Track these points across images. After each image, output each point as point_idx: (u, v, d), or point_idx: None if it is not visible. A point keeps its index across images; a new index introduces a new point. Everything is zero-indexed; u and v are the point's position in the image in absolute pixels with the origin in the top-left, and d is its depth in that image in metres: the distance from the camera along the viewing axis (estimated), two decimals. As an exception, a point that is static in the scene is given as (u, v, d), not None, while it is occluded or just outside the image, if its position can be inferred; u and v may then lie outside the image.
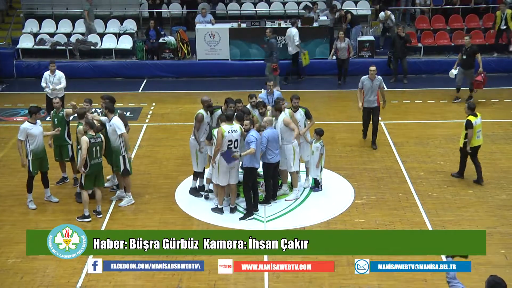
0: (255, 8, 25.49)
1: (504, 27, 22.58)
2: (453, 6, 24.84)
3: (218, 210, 13.92)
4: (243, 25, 23.59)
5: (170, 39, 23.67)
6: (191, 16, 24.91)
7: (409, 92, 19.41)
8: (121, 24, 24.75)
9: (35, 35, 24.28)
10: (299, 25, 23.18)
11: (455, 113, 19.40)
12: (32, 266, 12.26)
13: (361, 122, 17.22)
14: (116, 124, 13.83)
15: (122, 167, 14.04)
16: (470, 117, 14.69)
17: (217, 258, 12.31)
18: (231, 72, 23.30)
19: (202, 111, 14.15)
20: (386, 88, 17.53)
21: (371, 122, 16.83)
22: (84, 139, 13.22)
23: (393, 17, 23.62)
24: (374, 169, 15.72)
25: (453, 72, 20.01)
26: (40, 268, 12.17)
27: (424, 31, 24.26)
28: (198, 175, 14.64)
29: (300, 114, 14.47)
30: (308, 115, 14.54)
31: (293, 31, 22.04)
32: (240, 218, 13.72)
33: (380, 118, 17.05)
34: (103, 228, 13.48)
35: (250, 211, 13.64)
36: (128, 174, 14.20)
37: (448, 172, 15.71)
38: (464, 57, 19.87)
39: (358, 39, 23.27)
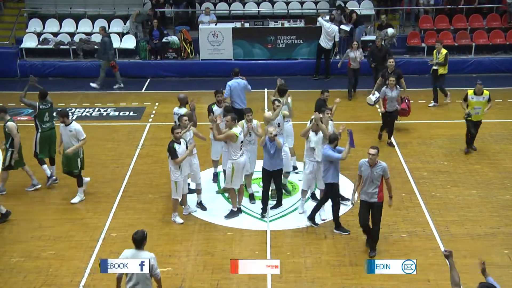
0: (258, 8, 25.50)
1: (436, 67, 19.90)
2: (457, 6, 24.81)
3: (233, 213, 13.94)
4: (246, 25, 23.62)
5: (174, 38, 23.69)
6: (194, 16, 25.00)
7: (412, 92, 19.38)
8: (124, 24, 24.75)
9: (38, 34, 24.31)
10: (303, 25, 23.27)
11: (459, 113, 19.33)
12: (35, 265, 12.30)
13: (365, 121, 17.28)
14: (77, 129, 14.14)
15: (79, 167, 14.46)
16: (469, 91, 16.27)
17: (220, 258, 12.43)
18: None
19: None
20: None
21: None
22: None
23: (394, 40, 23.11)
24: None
25: (372, 98, 17.63)
26: (43, 267, 12.21)
27: (428, 31, 24.26)
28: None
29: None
30: None
31: (335, 28, 22.57)
32: (227, 216, 13.89)
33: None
34: (106, 227, 13.51)
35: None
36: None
37: (451, 172, 15.73)
38: None
39: (362, 39, 23.25)
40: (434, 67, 19.88)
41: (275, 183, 13.90)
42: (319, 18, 22.81)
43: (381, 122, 17.58)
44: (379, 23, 23.14)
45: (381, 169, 11.89)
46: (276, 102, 14.18)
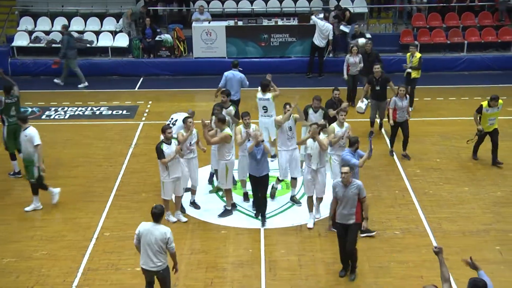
0: (251, 6, 25.50)
1: (409, 70, 19.20)
2: (449, 4, 24.86)
3: (227, 212, 13.93)
4: (240, 23, 23.60)
5: (167, 37, 23.66)
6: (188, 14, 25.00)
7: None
8: (117, 22, 24.69)
9: (30, 33, 24.20)
10: (296, 23, 23.31)
11: (451, 111, 19.46)
12: (27, 265, 12.26)
13: (358, 119, 17.23)
14: (31, 134, 13.83)
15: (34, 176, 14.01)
16: (484, 104, 15.57)
17: (214, 256, 12.44)
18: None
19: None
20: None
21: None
22: None
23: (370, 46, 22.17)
24: (371, 167, 15.72)
25: (362, 106, 17.30)
26: (35, 267, 12.18)
27: (421, 29, 24.31)
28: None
29: (320, 115, 14.69)
30: (325, 116, 14.80)
31: (329, 27, 22.52)
32: (220, 215, 13.86)
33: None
34: (99, 227, 13.49)
35: None
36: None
37: (444, 169, 15.77)
38: (378, 88, 17.25)
39: (348, 31, 23.22)
40: (408, 71, 19.19)
41: (260, 191, 13.47)
42: (313, 16, 22.83)
43: (389, 134, 17.03)
44: (353, 33, 22.82)
45: (356, 187, 11.14)
46: (287, 106, 13.80)
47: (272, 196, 14.44)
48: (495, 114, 15.63)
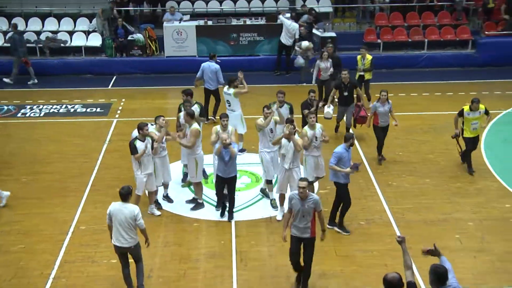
0: (221, 6, 25.45)
1: (362, 73, 19.08)
2: (410, 4, 25.08)
3: (199, 205, 13.93)
4: (210, 23, 23.58)
5: (139, 36, 23.54)
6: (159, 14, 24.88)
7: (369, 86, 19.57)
8: (90, 22, 24.48)
9: (4, 33, 23.92)
10: (264, 22, 23.34)
11: (413, 106, 19.64)
12: (5, 259, 12.16)
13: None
14: None
15: None
16: (465, 108, 15.08)
17: (187, 248, 12.44)
18: (198, 68, 23.14)
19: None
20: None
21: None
22: None
23: (313, 51, 22.22)
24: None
25: (330, 112, 16.64)
26: (13, 261, 12.08)
27: (383, 28, 24.48)
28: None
29: (285, 109, 14.71)
30: (292, 112, 14.80)
31: (295, 26, 22.44)
32: (192, 208, 13.87)
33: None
34: (75, 221, 13.41)
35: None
36: None
37: (406, 162, 15.91)
38: (346, 93, 16.73)
39: (321, 35, 23.35)
40: (360, 73, 19.00)
41: (228, 190, 13.33)
42: (280, 16, 22.86)
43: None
44: (297, 38, 22.60)
45: (313, 202, 10.51)
46: (265, 109, 13.75)
47: (274, 206, 13.91)
48: (477, 118, 15.02)
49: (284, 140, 12.87)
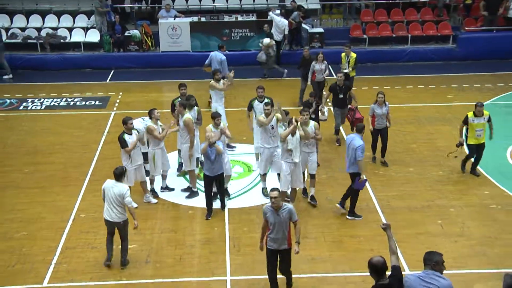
0: (214, 3, 25.39)
1: (346, 70, 18.23)
2: (394, 1, 25.09)
3: (193, 193, 13.90)
4: (203, 19, 23.53)
5: (135, 32, 23.47)
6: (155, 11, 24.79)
7: (355, 79, 19.53)
8: (89, 18, 24.39)
9: (6, 29, 23.80)
10: (255, 19, 23.30)
11: (397, 98, 19.64)
12: (9, 245, 12.13)
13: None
14: None
15: None
16: (469, 114, 14.24)
17: (183, 235, 12.45)
18: (192, 62, 23.20)
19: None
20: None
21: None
22: None
23: (275, 47, 21.78)
24: (325, 151, 15.86)
25: (325, 113, 15.78)
26: (17, 247, 12.06)
27: (368, 24, 24.48)
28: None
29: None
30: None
31: (285, 22, 22.28)
32: (187, 197, 13.83)
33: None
34: (75, 209, 13.39)
35: None
36: None
37: (391, 151, 15.85)
38: (341, 96, 16.04)
39: (309, 31, 23.33)
40: (345, 70, 18.09)
41: (217, 187, 13.04)
42: (270, 13, 22.79)
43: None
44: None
45: (288, 212, 9.79)
46: (264, 106, 13.44)
47: (265, 195, 13.65)
48: (482, 125, 14.20)
49: (289, 136, 12.46)
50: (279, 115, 13.42)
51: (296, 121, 12.45)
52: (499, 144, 15.90)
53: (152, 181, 13.83)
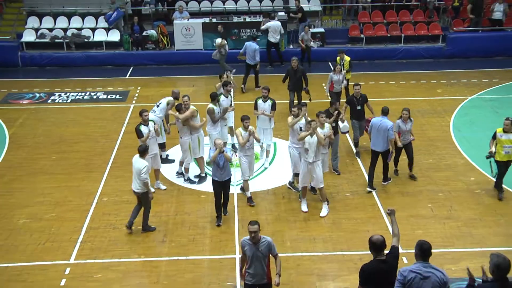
0: (224, 5, 25.29)
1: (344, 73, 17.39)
2: (389, 3, 24.94)
3: (202, 178, 13.92)
4: (214, 20, 23.42)
5: (152, 32, 23.44)
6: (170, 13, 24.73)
7: (352, 75, 19.46)
8: (110, 20, 24.38)
9: (36, 30, 23.81)
10: (262, 19, 23.19)
11: (391, 93, 19.59)
12: (40, 225, 12.21)
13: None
14: None
15: None
16: (498, 130, 12.64)
17: (196, 217, 12.48)
18: (204, 60, 23.15)
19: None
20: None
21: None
22: None
23: (227, 47, 20.92)
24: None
25: (346, 125, 14.44)
26: (46, 227, 12.15)
27: (366, 24, 24.36)
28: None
29: (268, 105, 14.28)
30: (274, 107, 14.30)
31: (278, 23, 21.86)
32: (198, 182, 13.85)
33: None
34: (98, 193, 13.44)
35: None
36: None
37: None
38: (359, 107, 14.76)
39: (311, 31, 23.21)
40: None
41: (224, 192, 12.24)
42: (263, 27, 22.01)
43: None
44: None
45: (267, 245, 8.68)
46: (295, 109, 12.98)
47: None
48: (511, 141, 12.51)
49: (307, 136, 12.16)
50: (308, 117, 12.94)
51: (313, 121, 12.20)
52: (485, 135, 15.82)
53: (186, 170, 13.97)
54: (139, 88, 20.73)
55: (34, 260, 11.08)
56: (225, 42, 20.90)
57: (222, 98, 14.43)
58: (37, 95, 20.01)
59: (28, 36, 23.64)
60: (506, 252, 7.43)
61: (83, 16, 24.54)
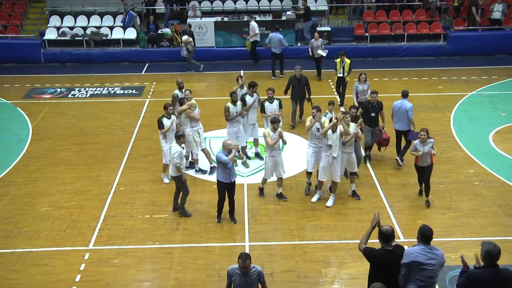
0: (235, 5, 25.21)
1: (341, 75, 17.38)
2: (393, 4, 24.79)
3: (212, 169, 13.88)
4: (226, 19, 23.40)
5: (167, 30, 23.41)
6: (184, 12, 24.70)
7: (356, 72, 19.34)
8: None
9: (58, 28, 23.85)
10: (271, 18, 23.13)
11: (394, 88, 19.45)
12: (61, 213, 12.26)
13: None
14: None
15: None
16: None
17: (207, 206, 12.47)
18: (216, 57, 23.11)
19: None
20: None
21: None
22: None
23: (193, 43, 20.86)
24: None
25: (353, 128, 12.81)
26: (67, 215, 12.19)
27: (370, 23, 24.22)
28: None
29: (275, 104, 14.02)
30: (281, 105, 14.10)
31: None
32: (209, 173, 13.81)
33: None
34: (115, 183, 13.47)
35: None
36: None
37: (389, 135, 15.72)
38: (373, 114, 13.97)
39: (318, 29, 23.08)
40: (339, 75, 17.41)
41: (229, 195, 11.77)
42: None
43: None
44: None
45: (257, 275, 7.84)
46: (314, 110, 12.38)
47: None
48: None
49: (329, 132, 11.80)
50: (326, 119, 12.45)
51: (337, 119, 11.82)
52: (484, 129, 15.75)
53: (196, 161, 13.96)
54: (154, 83, 20.73)
55: (55, 246, 11.14)
56: (191, 39, 20.84)
57: (247, 97, 14.03)
58: (58, 90, 20.07)
59: (50, 34, 23.69)
60: (503, 242, 7.40)
61: (101, 15, 24.56)
